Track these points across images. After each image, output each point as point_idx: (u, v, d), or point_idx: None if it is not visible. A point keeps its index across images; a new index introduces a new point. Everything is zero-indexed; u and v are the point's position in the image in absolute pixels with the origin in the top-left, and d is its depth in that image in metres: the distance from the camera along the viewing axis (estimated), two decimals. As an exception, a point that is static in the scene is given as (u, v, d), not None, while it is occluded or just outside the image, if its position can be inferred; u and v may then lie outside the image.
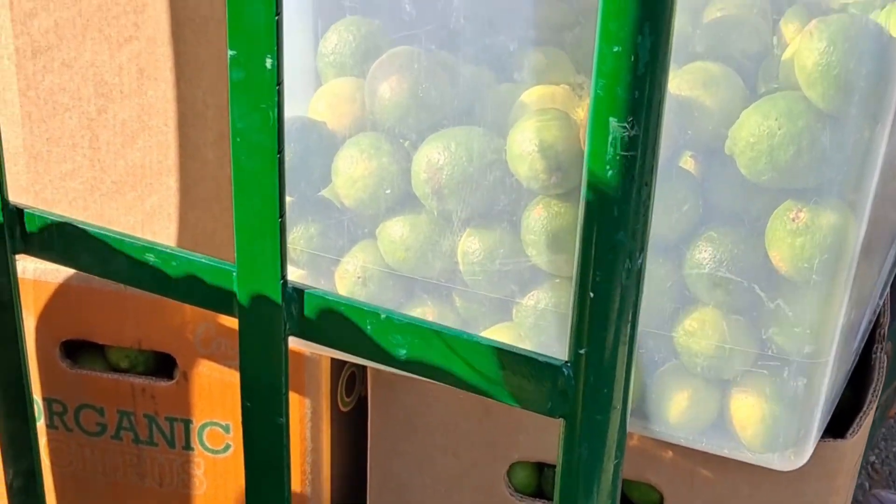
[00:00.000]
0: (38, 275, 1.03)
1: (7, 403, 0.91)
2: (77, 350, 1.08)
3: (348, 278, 0.89)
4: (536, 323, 0.84)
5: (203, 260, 0.77)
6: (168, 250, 0.78)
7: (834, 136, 0.74)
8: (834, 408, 0.90)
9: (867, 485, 1.54)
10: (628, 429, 0.68)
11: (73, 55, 0.98)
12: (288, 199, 0.77)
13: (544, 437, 0.98)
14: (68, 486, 1.12)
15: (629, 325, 0.64)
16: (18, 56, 0.98)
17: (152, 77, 0.98)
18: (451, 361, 0.71)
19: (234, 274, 0.75)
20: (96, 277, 0.89)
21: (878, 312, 1.01)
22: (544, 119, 0.79)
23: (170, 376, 1.06)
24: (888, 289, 1.03)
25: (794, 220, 0.77)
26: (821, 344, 0.80)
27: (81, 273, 0.90)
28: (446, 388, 0.73)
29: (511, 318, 0.86)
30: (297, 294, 0.75)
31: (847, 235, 0.77)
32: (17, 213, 0.84)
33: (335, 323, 0.74)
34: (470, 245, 0.84)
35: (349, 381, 1.08)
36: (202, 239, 1.02)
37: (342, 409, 1.08)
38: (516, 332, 0.86)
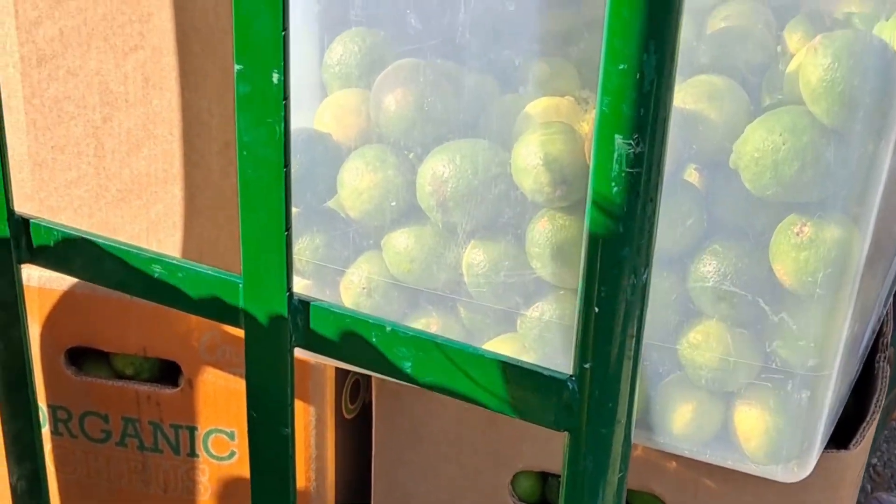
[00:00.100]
0: (42, 282, 1.03)
1: (12, 409, 0.92)
2: (82, 357, 1.08)
3: (353, 289, 0.89)
4: (541, 334, 0.85)
5: (209, 272, 0.77)
6: (174, 262, 0.79)
7: (838, 151, 0.74)
8: (837, 418, 0.90)
9: (869, 487, 1.53)
10: (632, 440, 0.69)
11: (79, 63, 0.98)
12: (294, 209, 0.77)
13: (548, 447, 0.98)
14: (73, 493, 1.12)
15: (634, 340, 0.64)
16: (24, 64, 0.98)
17: (157, 86, 0.98)
18: (455, 375, 0.71)
19: (241, 286, 0.75)
20: (101, 286, 0.89)
21: (881, 322, 1.01)
22: (549, 132, 0.80)
23: (175, 383, 1.06)
24: (891, 298, 1.04)
25: (798, 234, 0.77)
26: (824, 357, 0.80)
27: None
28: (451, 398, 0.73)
29: (515, 330, 0.86)
30: (303, 306, 0.75)
31: (851, 249, 0.77)
32: (23, 224, 0.84)
33: (341, 335, 0.74)
34: (475, 257, 0.84)
35: (353, 389, 1.08)
36: (206, 247, 1.02)
37: (346, 416, 1.08)
38: (520, 343, 0.86)
